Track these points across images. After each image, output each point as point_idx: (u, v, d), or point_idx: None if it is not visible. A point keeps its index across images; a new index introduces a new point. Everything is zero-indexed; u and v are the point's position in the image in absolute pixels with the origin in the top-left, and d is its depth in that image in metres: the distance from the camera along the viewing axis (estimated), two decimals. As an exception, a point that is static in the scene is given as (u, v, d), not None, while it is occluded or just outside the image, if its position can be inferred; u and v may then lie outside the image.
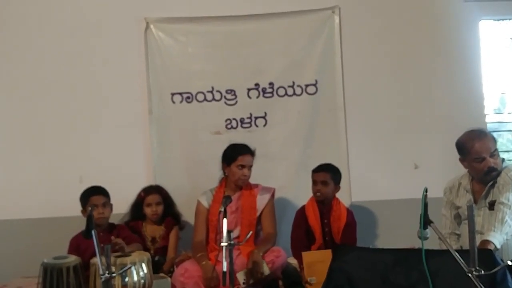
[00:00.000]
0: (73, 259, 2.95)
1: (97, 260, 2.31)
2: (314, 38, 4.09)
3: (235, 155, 3.55)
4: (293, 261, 3.51)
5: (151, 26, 4.06)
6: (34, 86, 4.07)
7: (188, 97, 4.07)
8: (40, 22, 4.08)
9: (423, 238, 2.10)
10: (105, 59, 4.07)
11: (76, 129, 4.05)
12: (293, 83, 4.08)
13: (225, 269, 2.59)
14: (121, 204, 3.63)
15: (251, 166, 3.57)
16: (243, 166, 3.53)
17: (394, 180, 4.06)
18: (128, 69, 4.08)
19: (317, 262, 3.17)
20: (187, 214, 3.78)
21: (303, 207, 3.66)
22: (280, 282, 3.37)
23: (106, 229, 3.44)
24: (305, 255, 3.33)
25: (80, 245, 3.28)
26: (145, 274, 2.90)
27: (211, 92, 4.08)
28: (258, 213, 3.57)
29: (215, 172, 3.67)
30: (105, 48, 4.07)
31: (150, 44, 4.05)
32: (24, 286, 3.41)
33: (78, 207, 3.44)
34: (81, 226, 2.62)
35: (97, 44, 4.07)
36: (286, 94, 4.09)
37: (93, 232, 2.34)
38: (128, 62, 4.08)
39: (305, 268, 3.28)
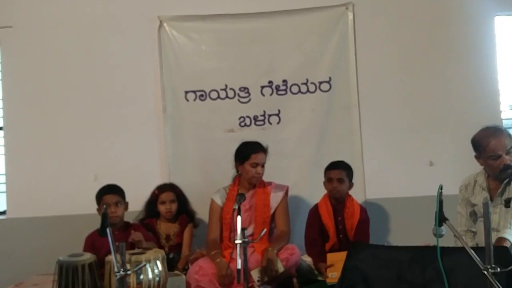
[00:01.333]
0: (88, 256, 2.97)
1: (112, 257, 2.32)
2: (327, 35, 4.08)
3: (248, 153, 3.55)
4: (307, 258, 3.51)
5: (165, 24, 4.07)
6: (50, 85, 4.12)
7: (202, 95, 4.08)
8: (55, 22, 4.13)
9: (438, 235, 2.09)
10: (119, 58, 4.10)
11: (91, 128, 4.09)
12: (307, 80, 4.07)
13: (239, 266, 2.59)
14: (136, 202, 3.65)
15: (264, 163, 3.56)
16: (256, 164, 3.53)
17: (409, 177, 4.03)
18: (142, 68, 4.11)
19: (340, 261, 3.15)
20: (201, 211, 3.80)
21: (316, 205, 3.66)
22: (295, 280, 3.36)
23: (121, 227, 3.46)
24: (330, 256, 3.36)
25: (95, 242, 3.31)
26: (159, 271, 2.90)
27: (225, 90, 4.09)
28: (271, 211, 3.57)
29: (229, 169, 3.67)
30: (119, 46, 4.11)
31: (163, 42, 4.07)
32: (40, 283, 3.45)
33: (93, 205, 3.46)
34: (97, 224, 2.65)
35: (111, 42, 4.11)
36: (299, 91, 4.08)
37: (108, 230, 2.36)
38: (142, 60, 4.10)
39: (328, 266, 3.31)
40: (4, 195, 4.12)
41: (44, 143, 4.09)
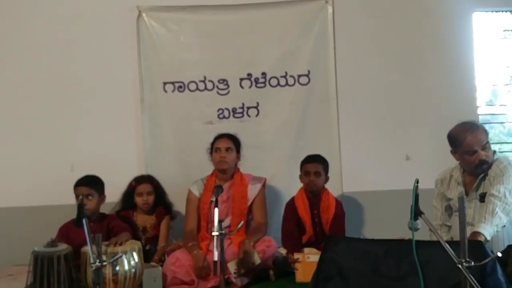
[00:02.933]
0: (64, 247, 2.92)
1: (88, 248, 2.30)
2: (307, 28, 4.08)
3: (213, 142, 3.62)
4: (283, 251, 3.52)
5: (143, 14, 4.03)
6: (25, 75, 4.04)
7: (180, 86, 4.06)
8: (31, 10, 4.04)
9: (413, 229, 2.11)
10: (97, 48, 4.04)
11: (67, 118, 4.03)
12: (286, 73, 4.07)
13: (216, 258, 2.60)
14: (112, 193, 3.61)
15: (229, 148, 3.57)
16: (219, 149, 3.55)
17: (385, 171, 4.07)
18: (120, 58, 4.06)
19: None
20: (179, 203, 3.78)
21: (293, 198, 3.68)
22: (271, 272, 3.38)
23: (97, 218, 3.42)
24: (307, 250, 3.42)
25: (69, 233, 3.27)
26: (136, 263, 2.90)
27: (204, 81, 4.07)
28: (249, 203, 3.58)
29: (207, 161, 3.68)
30: (97, 36, 4.05)
31: (142, 32, 4.03)
32: (15, 274, 3.40)
33: (69, 195, 3.41)
34: (73, 214, 2.62)
35: (89, 32, 4.04)
36: (278, 84, 4.08)
37: (84, 221, 2.33)
38: (120, 50, 4.06)
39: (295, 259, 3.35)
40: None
41: (20, 133, 4.02)
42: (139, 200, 3.67)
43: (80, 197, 2.99)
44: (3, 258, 3.70)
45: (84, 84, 4.04)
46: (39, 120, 4.02)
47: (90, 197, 3.40)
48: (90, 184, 3.43)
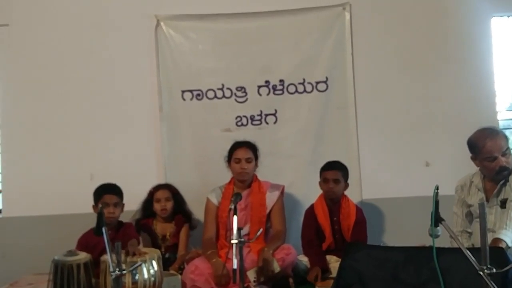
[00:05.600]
0: (83, 256, 2.95)
1: (107, 257, 2.32)
2: (324, 35, 4.07)
3: (231, 151, 3.61)
4: (303, 258, 3.51)
5: (162, 23, 4.06)
6: (46, 84, 4.09)
7: (199, 94, 4.08)
8: (52, 21, 4.11)
9: (434, 236, 2.09)
10: (116, 57, 4.09)
11: (87, 127, 4.07)
12: (304, 80, 4.07)
13: (235, 266, 2.59)
14: (131, 202, 3.64)
15: (249, 158, 3.57)
16: (239, 160, 3.55)
17: (405, 177, 4.03)
18: (138, 67, 4.10)
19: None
20: (198, 211, 3.79)
21: (312, 206, 3.67)
22: (291, 280, 3.36)
23: (114, 227, 3.44)
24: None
25: (89, 242, 3.27)
26: (155, 271, 2.89)
27: (221, 89, 4.08)
28: (267, 210, 3.57)
29: (225, 169, 3.68)
30: (116, 45, 4.09)
31: (160, 41, 4.06)
32: (35, 282, 3.44)
33: (89, 204, 3.45)
34: (92, 223, 2.64)
35: (108, 41, 4.09)
36: (296, 91, 4.07)
37: (103, 229, 2.35)
38: (139, 59, 4.09)
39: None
40: (0, 194, 4.11)
41: (40, 142, 4.07)
42: (157, 206, 3.69)
43: (101, 205, 3.01)
44: (23, 267, 3.76)
45: (104, 93, 4.08)
46: (59, 129, 4.07)
47: (117, 206, 3.43)
48: (118, 193, 3.47)
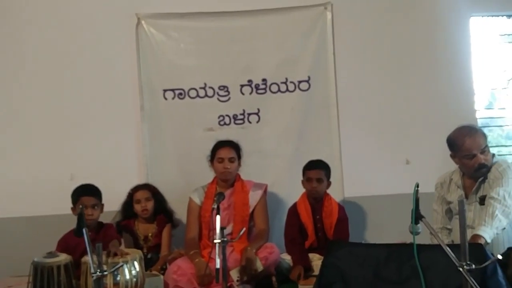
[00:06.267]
0: (63, 257, 2.92)
1: (88, 258, 2.30)
2: (306, 34, 4.09)
3: (214, 150, 3.61)
4: (286, 257, 3.51)
5: (143, 22, 4.04)
6: (23, 82, 4.04)
7: (181, 94, 4.06)
8: (31, 18, 4.05)
9: (414, 233, 2.10)
10: (96, 56, 4.05)
11: (66, 126, 4.03)
12: (286, 79, 4.08)
13: (218, 266, 2.59)
14: (112, 202, 3.62)
15: (232, 158, 3.57)
16: (222, 159, 3.55)
17: (386, 175, 4.06)
18: (119, 66, 4.07)
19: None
20: (180, 211, 3.77)
21: (295, 204, 3.68)
22: (274, 279, 3.37)
23: (94, 228, 3.41)
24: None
25: (69, 244, 3.24)
26: (137, 272, 2.88)
27: (204, 88, 4.07)
28: (250, 210, 3.58)
29: (208, 168, 3.67)
30: (97, 44, 4.06)
31: (141, 40, 4.03)
32: (14, 285, 3.36)
33: (69, 205, 3.42)
34: (72, 224, 2.60)
35: (88, 40, 4.05)
36: (279, 90, 4.08)
37: (84, 231, 2.33)
38: (120, 58, 4.06)
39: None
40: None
41: (19, 142, 4.01)
42: (138, 207, 3.66)
43: (81, 206, 2.98)
44: (2, 269, 3.68)
45: (84, 92, 4.04)
46: (37, 129, 4.02)
47: (96, 207, 3.40)
48: (95, 194, 3.44)
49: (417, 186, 2.07)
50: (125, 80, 4.06)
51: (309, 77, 4.09)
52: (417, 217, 2.07)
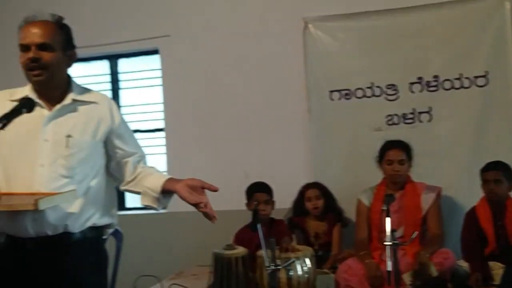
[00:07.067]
0: (241, 250, 3.07)
1: (263, 252, 2.40)
2: (482, 27, 3.81)
3: (383, 151, 3.50)
4: (463, 264, 3.31)
5: (310, 25, 4.10)
6: (205, 89, 4.35)
7: (347, 94, 4.04)
8: (208, 29, 4.34)
9: None
10: (266, 61, 4.21)
11: (241, 128, 4.26)
12: (461, 75, 3.84)
13: (389, 268, 2.52)
14: (282, 200, 3.72)
15: (402, 160, 3.44)
16: (391, 162, 3.44)
17: None
18: (287, 69, 4.17)
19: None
20: (348, 211, 3.76)
21: (473, 208, 3.44)
22: (449, 286, 3.19)
23: (267, 223, 3.53)
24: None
25: (244, 238, 3.42)
26: (308, 268, 2.93)
27: (371, 88, 4.00)
28: (423, 213, 3.43)
29: (376, 169, 3.60)
30: (266, 50, 4.21)
31: (308, 43, 4.10)
32: (198, 274, 3.64)
33: (244, 201, 3.61)
34: (246, 219, 2.72)
35: (258, 46, 4.23)
36: (452, 87, 3.85)
37: (258, 226, 2.43)
38: (287, 62, 4.17)
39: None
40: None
41: (201, 144, 4.33)
42: (309, 205, 3.73)
43: (255, 202, 3.14)
44: (188, 259, 4.02)
45: (254, 96, 4.23)
46: (215, 131, 4.30)
47: (268, 203, 3.56)
48: (268, 191, 3.60)
49: None
50: (293, 83, 4.15)
51: (486, 72, 3.80)
52: None
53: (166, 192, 2.12)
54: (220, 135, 4.30)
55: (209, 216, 2.12)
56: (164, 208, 2.20)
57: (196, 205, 2.07)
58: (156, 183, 2.11)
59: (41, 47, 1.99)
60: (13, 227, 1.97)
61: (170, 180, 2.12)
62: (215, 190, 2.16)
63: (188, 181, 2.07)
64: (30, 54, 1.97)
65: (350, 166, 4.02)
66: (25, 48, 1.99)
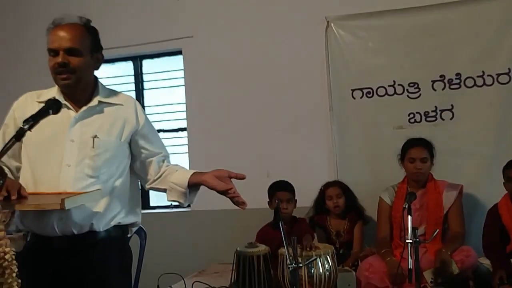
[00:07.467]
0: (262, 248, 3.11)
1: (284, 250, 2.44)
2: (505, 24, 3.78)
3: (406, 149, 3.50)
4: (485, 261, 3.30)
5: (332, 24, 4.11)
6: (227, 89, 4.39)
7: (369, 92, 4.05)
8: (230, 30, 4.39)
9: None
10: (287, 59, 4.24)
11: (263, 127, 4.29)
12: (483, 72, 3.81)
13: (410, 266, 2.54)
14: (305, 198, 3.76)
15: (424, 158, 3.44)
16: (413, 160, 3.44)
17: None
18: (309, 68, 4.19)
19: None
20: (369, 209, 3.77)
21: (495, 205, 3.42)
22: (471, 283, 3.18)
23: (289, 221, 3.57)
24: None
25: (266, 236, 3.47)
26: (330, 266, 2.95)
27: (393, 86, 4.00)
28: (444, 211, 3.43)
29: (398, 167, 3.60)
30: (288, 48, 4.24)
31: (330, 42, 4.11)
32: (220, 271, 3.70)
33: (266, 199, 3.65)
34: (268, 217, 2.75)
35: (280, 45, 4.26)
36: (475, 84, 3.83)
37: (280, 224, 2.46)
38: (310, 61, 4.19)
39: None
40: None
41: (223, 143, 4.38)
42: (329, 203, 3.75)
43: (277, 201, 3.18)
44: (210, 257, 4.08)
45: (276, 94, 4.26)
46: (238, 130, 4.34)
47: (290, 201, 3.59)
48: (289, 189, 3.63)
49: None
50: (315, 82, 4.17)
51: (509, 69, 3.77)
52: None
53: (193, 187, 2.15)
54: (242, 134, 4.34)
55: (238, 202, 2.09)
56: (190, 203, 2.24)
57: (225, 192, 2.07)
58: (183, 178, 2.16)
59: (69, 51, 2.03)
60: (40, 226, 2.04)
61: (196, 173, 2.16)
62: (243, 178, 2.14)
63: (215, 172, 2.12)
64: (59, 59, 2.02)
65: (371, 165, 4.04)
66: (53, 52, 2.04)
